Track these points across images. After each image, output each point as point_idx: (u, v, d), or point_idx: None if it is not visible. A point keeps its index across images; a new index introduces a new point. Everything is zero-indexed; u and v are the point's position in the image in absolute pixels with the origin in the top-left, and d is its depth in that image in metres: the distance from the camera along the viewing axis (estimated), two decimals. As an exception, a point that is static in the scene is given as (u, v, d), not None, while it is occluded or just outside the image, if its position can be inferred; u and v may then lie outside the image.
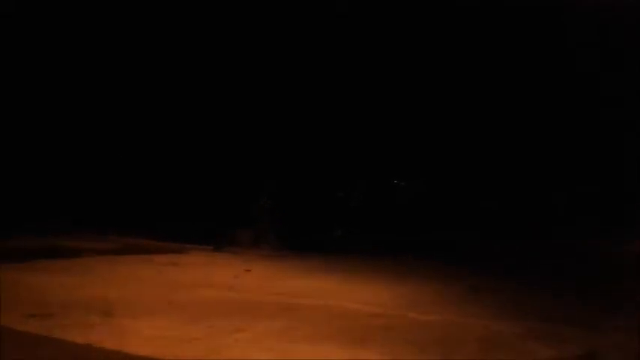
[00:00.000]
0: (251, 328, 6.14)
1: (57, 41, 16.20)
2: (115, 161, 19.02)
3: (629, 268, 13.64)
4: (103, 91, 17.27)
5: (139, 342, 5.38)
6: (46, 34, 15.94)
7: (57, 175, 17.18)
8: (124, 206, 16.70)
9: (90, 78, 17.02)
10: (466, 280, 10.90)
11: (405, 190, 18.78)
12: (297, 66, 16.10)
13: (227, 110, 16.54)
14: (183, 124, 17.28)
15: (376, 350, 5.62)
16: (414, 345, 5.89)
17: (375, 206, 17.96)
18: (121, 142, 18.92)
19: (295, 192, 16.53)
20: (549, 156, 20.23)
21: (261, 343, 5.64)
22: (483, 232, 18.45)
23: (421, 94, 17.67)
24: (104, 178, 18.09)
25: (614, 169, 19.94)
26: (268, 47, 15.72)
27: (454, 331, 6.63)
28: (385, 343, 5.91)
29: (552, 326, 7.05)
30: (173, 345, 5.38)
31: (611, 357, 6.00)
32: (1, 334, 5.27)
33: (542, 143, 20.05)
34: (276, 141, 16.41)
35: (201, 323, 6.21)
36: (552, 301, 9.13)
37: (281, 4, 15.31)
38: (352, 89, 16.64)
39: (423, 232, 17.19)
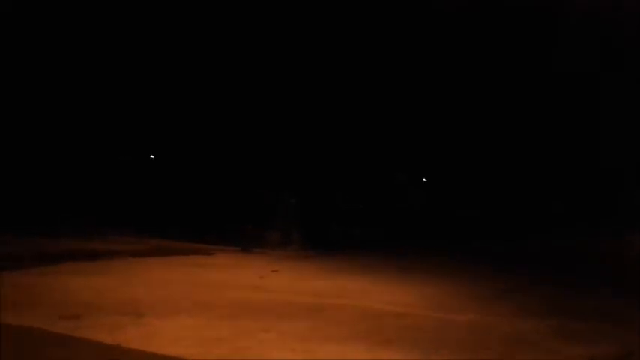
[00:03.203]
0: (276, 328, 6.17)
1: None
2: (145, 163, 19.33)
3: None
4: (124, 91, 17.46)
5: (166, 342, 5.45)
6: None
7: (87, 177, 17.50)
8: (153, 208, 16.94)
9: (105, 79, 17.16)
10: (491, 280, 10.84)
11: (426, 189, 18.68)
12: (320, 68, 16.13)
13: (250, 110, 16.66)
14: (208, 126, 17.45)
15: (403, 350, 5.59)
16: (440, 345, 5.85)
17: (398, 205, 17.91)
18: (149, 145, 19.21)
19: (320, 192, 16.56)
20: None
21: (286, 343, 5.66)
22: (500, 234, 18.32)
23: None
24: (135, 179, 18.39)
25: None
26: (290, 50, 15.77)
27: (481, 331, 6.57)
28: (412, 343, 5.88)
29: (581, 324, 6.93)
30: (199, 345, 5.43)
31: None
32: (31, 335, 5.40)
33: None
34: (299, 140, 16.46)
35: (228, 323, 6.26)
36: (577, 299, 9.00)
37: (296, 9, 15.35)
38: (372, 91, 16.61)
39: (445, 232, 17.13)
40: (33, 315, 6.03)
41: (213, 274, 10.04)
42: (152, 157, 20.67)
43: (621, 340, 6.28)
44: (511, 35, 16.76)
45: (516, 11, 15.98)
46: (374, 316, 7.07)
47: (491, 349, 5.83)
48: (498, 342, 6.10)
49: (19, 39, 15.52)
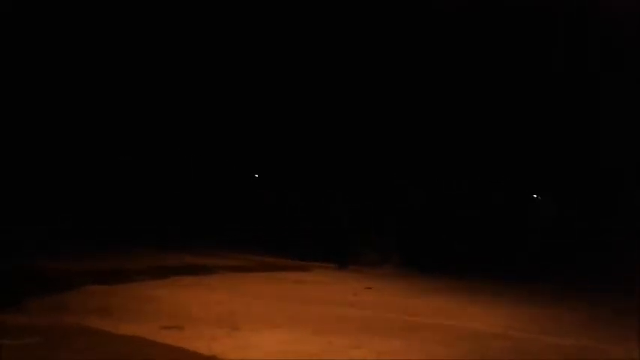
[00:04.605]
0: (368, 345, 6.13)
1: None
2: (248, 185, 20.08)
3: None
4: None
5: (261, 355, 5.59)
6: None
7: (193, 196, 18.41)
8: (254, 226, 17.53)
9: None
10: (606, 302, 10.12)
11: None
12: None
13: (350, 128, 16.82)
14: (311, 145, 17.84)
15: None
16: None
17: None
18: (254, 167, 19.95)
19: (417, 210, 16.35)
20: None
21: (377, 360, 5.61)
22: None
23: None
24: (239, 200, 19.14)
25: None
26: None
27: (590, 358, 6.14)
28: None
29: None
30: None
31: None
32: (132, 343, 5.76)
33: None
34: (398, 160, 16.40)
35: (319, 339, 6.30)
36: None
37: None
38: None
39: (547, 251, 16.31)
40: (138, 325, 6.40)
41: (308, 290, 10.18)
42: (256, 175, 21.49)
43: None
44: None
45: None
46: (470, 336, 6.84)
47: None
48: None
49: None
